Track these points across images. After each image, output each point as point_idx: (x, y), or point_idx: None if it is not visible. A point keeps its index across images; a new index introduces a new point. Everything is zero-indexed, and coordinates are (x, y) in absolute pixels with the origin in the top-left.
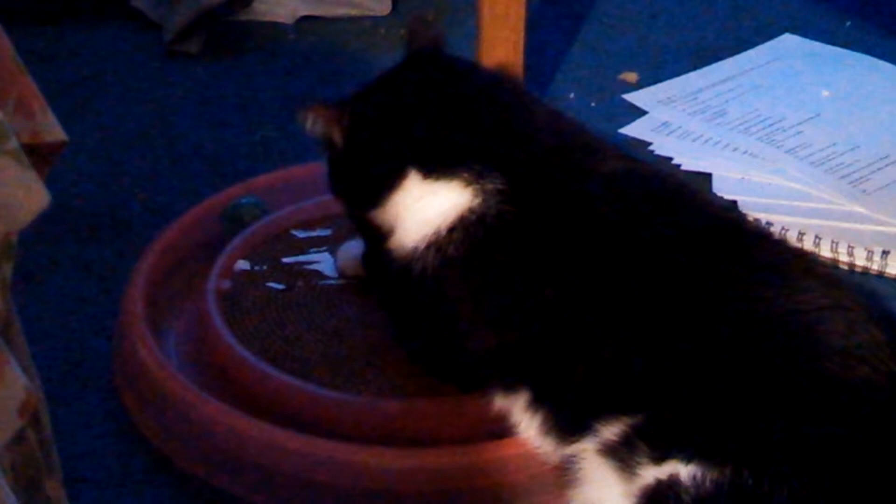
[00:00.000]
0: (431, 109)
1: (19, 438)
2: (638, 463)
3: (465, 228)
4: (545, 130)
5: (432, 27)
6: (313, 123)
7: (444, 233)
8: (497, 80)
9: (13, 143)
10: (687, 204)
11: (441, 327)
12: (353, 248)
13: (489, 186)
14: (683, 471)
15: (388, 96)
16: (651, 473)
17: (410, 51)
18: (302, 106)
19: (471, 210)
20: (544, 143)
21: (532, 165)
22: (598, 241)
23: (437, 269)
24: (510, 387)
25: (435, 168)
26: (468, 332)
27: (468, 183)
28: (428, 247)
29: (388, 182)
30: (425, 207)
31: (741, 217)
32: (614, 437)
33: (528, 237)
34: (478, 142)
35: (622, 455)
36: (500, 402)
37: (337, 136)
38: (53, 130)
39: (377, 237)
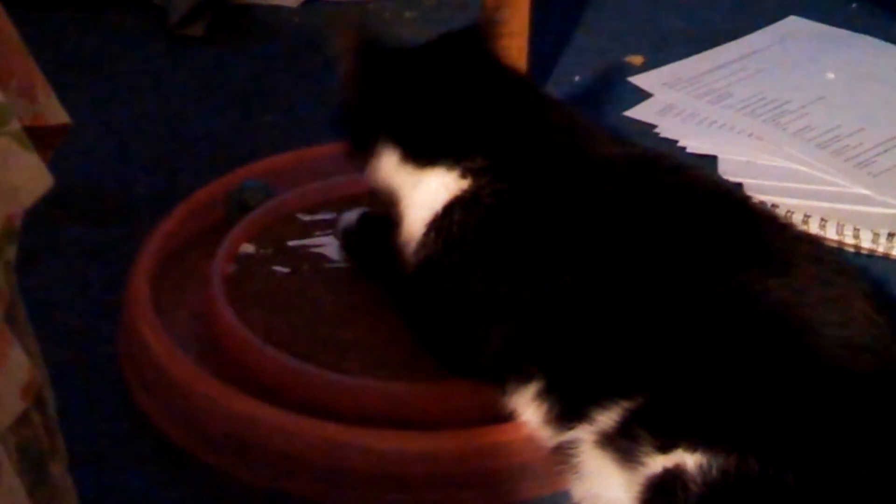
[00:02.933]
0: (428, 96)
1: (24, 421)
2: (642, 452)
3: (462, 209)
4: (543, 120)
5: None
6: (338, 45)
7: (441, 214)
8: (508, 77)
9: (15, 126)
10: (693, 186)
11: (454, 317)
12: (352, 215)
13: (473, 166)
14: (689, 460)
15: (399, 65)
16: (658, 463)
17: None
18: (340, 23)
19: (463, 190)
20: (541, 130)
21: (526, 149)
22: (603, 220)
23: (440, 254)
24: (523, 375)
25: (415, 154)
26: (486, 320)
27: (452, 166)
28: (428, 231)
29: (368, 142)
30: (419, 193)
31: (748, 199)
32: (612, 426)
33: (531, 216)
34: (462, 131)
35: (622, 445)
36: (511, 392)
37: (350, 70)
38: (57, 113)
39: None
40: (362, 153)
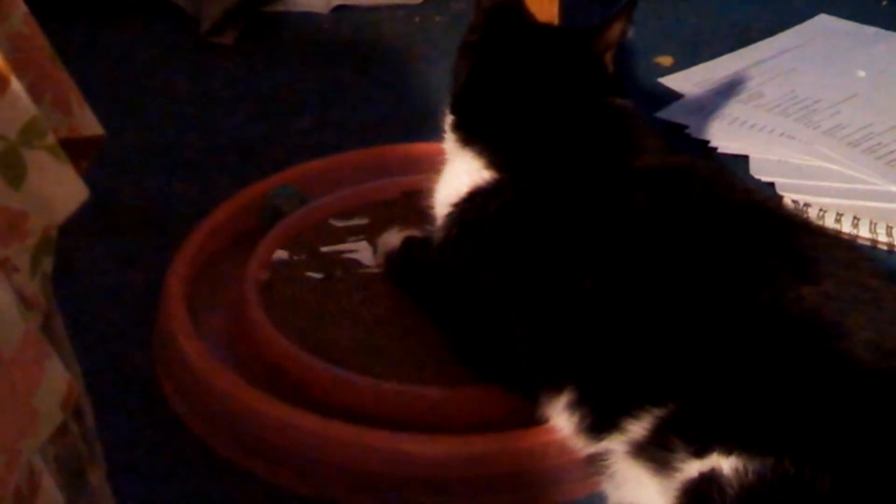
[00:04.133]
0: (499, 79)
1: (62, 431)
2: (676, 458)
3: (483, 198)
4: (590, 127)
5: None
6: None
7: (464, 198)
8: (580, 81)
9: (50, 139)
10: (727, 195)
11: (469, 307)
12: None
13: (499, 161)
14: (725, 463)
15: (497, 45)
16: (694, 468)
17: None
18: None
19: (486, 181)
20: (581, 137)
21: (559, 154)
22: (632, 228)
23: (457, 236)
24: (555, 386)
25: (458, 126)
26: (494, 314)
27: (480, 154)
28: (451, 213)
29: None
30: (453, 171)
31: (782, 207)
32: (644, 434)
33: (550, 217)
34: (499, 124)
35: (656, 453)
36: (544, 402)
37: (473, 36)
38: (90, 125)
39: None
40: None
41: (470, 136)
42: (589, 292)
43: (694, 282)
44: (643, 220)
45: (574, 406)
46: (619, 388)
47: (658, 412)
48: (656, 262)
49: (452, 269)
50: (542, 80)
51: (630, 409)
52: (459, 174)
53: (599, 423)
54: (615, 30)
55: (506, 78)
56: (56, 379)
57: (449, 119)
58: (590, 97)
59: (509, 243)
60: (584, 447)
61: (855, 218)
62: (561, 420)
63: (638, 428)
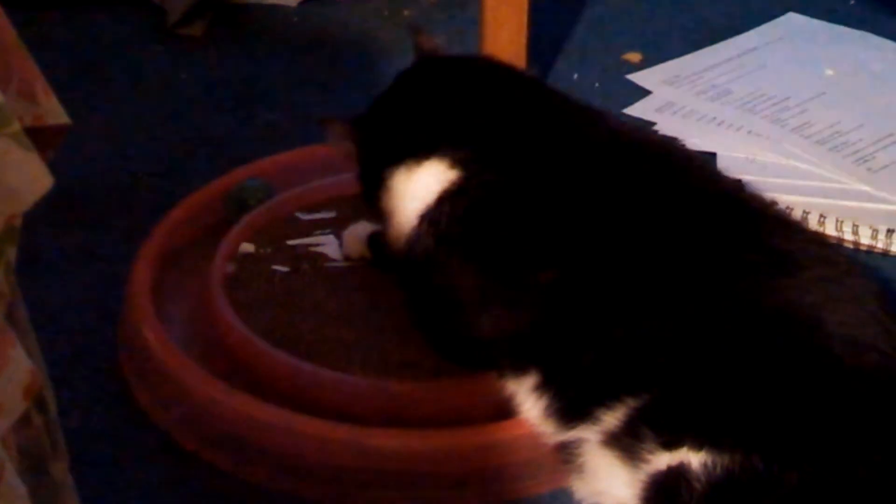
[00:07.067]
0: (407, 110)
1: (25, 421)
2: (646, 449)
3: (451, 200)
4: (532, 109)
5: (430, 37)
6: (333, 137)
7: (433, 205)
8: (485, 67)
9: (15, 126)
10: (699, 181)
11: (450, 306)
12: (358, 230)
13: (462, 157)
14: (694, 458)
15: (378, 107)
16: (663, 460)
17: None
18: (323, 120)
19: (451, 182)
20: (535, 122)
21: (517, 141)
22: (598, 213)
23: (432, 245)
24: (520, 367)
25: (412, 158)
26: (476, 311)
27: (442, 157)
28: (421, 223)
29: (378, 183)
30: (413, 188)
31: (758, 198)
32: (617, 425)
33: (518, 207)
34: (452, 125)
35: (627, 443)
36: (509, 382)
37: (351, 148)
38: (56, 114)
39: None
40: (373, 190)
41: (429, 149)
42: (561, 279)
43: (670, 271)
44: (616, 205)
45: (540, 388)
46: (595, 377)
47: (633, 402)
48: (630, 248)
49: (419, 264)
50: (471, 76)
51: (604, 399)
52: (424, 186)
53: (570, 410)
54: (431, 41)
55: (436, 86)
56: (19, 368)
57: (395, 175)
58: (525, 85)
59: (471, 233)
60: (554, 435)
61: (821, 216)
62: (527, 402)
63: (611, 418)
